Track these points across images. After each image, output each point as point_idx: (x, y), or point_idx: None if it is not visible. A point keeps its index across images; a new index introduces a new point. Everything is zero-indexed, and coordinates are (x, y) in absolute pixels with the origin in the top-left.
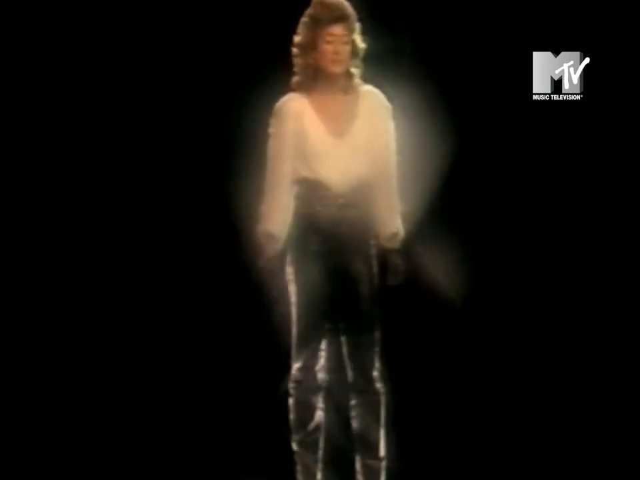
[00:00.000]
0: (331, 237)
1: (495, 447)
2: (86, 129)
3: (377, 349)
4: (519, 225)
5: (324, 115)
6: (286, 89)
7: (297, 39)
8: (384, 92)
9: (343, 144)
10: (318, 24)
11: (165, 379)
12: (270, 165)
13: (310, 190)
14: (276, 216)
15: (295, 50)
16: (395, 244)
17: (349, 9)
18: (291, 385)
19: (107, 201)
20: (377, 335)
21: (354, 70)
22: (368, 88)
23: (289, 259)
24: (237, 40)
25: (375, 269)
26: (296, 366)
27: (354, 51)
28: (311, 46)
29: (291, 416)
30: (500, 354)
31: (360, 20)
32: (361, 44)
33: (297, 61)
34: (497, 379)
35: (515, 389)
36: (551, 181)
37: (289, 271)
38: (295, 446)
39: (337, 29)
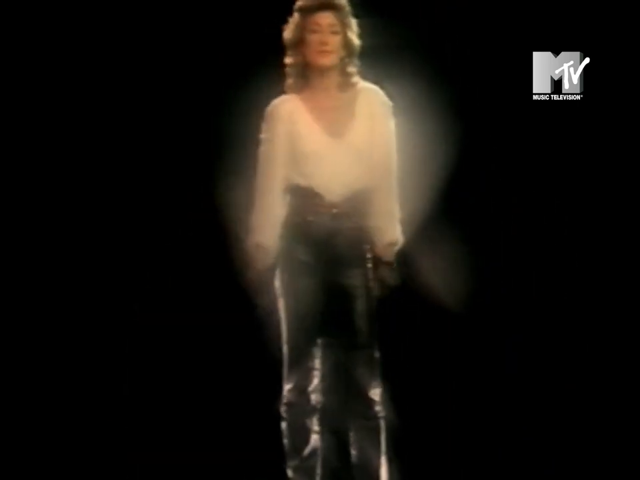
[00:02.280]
0: (324, 249)
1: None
2: (84, 130)
3: (375, 368)
4: (518, 225)
5: (318, 114)
6: (279, 92)
7: (285, 34)
8: (383, 90)
9: (339, 146)
10: (304, 13)
11: (164, 379)
12: (260, 172)
13: (302, 198)
14: (266, 226)
15: (285, 47)
16: (391, 254)
17: None
18: (283, 408)
19: (107, 201)
20: (375, 353)
21: (350, 69)
22: (366, 85)
23: (278, 271)
24: (229, 41)
25: (372, 283)
26: (287, 387)
27: (346, 45)
28: (298, 39)
29: (285, 440)
30: (508, 369)
31: (358, 17)
32: (355, 39)
33: (287, 60)
34: (502, 396)
35: (522, 407)
36: (551, 181)
37: (278, 285)
38: (289, 472)
39: (323, 18)
